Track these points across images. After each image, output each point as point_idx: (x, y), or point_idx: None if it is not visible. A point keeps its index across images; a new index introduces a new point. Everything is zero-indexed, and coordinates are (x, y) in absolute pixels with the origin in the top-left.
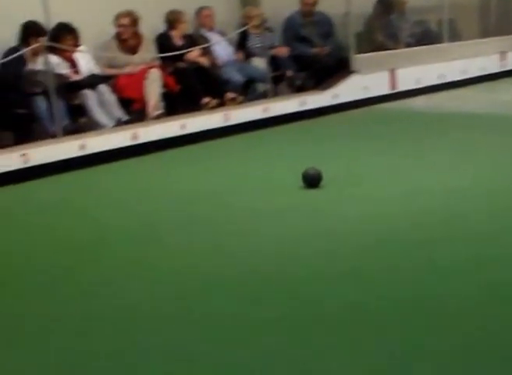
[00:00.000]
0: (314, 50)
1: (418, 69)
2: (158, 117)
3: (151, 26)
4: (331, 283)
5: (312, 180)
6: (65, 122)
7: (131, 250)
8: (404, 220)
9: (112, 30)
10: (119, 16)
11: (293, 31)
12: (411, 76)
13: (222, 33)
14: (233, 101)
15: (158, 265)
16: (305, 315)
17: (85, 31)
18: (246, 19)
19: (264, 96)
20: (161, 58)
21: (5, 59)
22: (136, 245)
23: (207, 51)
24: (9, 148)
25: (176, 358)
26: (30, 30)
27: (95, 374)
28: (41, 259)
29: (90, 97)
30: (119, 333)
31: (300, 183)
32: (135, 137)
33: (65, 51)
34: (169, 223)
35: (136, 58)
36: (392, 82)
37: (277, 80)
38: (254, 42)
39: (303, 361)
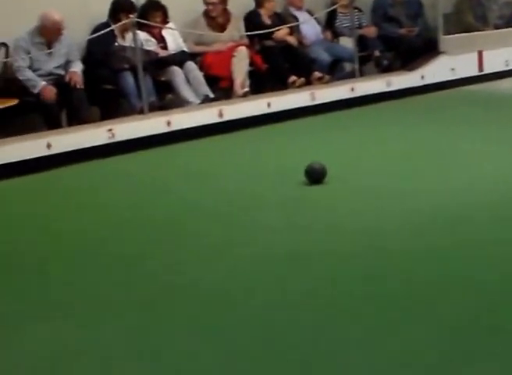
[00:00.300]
0: (403, 30)
1: (507, 51)
2: (245, 95)
3: (239, 3)
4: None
5: (317, 175)
6: (152, 98)
7: (214, 227)
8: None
9: (201, 8)
10: None
11: (381, 11)
12: (500, 58)
13: (311, 13)
14: (320, 81)
15: (240, 243)
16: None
17: (174, 8)
18: None
19: (351, 76)
20: (249, 36)
21: (95, 35)
22: (218, 223)
23: (295, 30)
24: (96, 123)
25: (260, 338)
26: (121, 7)
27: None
28: (120, 235)
29: (177, 74)
30: (197, 311)
31: (387, 161)
32: (221, 114)
33: (153, 27)
34: (254, 200)
35: (224, 35)
36: (480, 64)
37: (364, 59)
38: (342, 22)
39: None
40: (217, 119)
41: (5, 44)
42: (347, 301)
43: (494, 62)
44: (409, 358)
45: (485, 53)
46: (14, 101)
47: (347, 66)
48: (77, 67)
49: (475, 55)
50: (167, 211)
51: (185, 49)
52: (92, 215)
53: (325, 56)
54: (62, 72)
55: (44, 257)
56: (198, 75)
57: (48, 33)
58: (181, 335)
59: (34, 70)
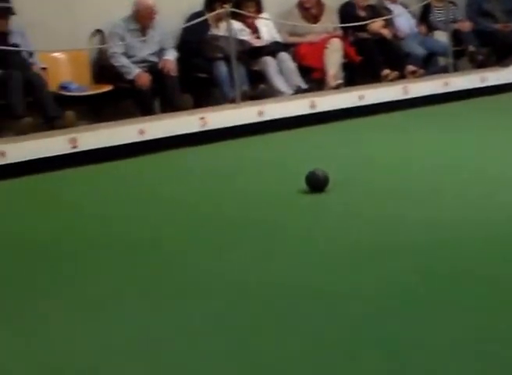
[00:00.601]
0: (498, 26)
1: None
2: (337, 87)
3: None
4: None
5: (318, 183)
6: (245, 88)
7: (298, 219)
8: None
9: None
10: None
11: (476, 6)
12: None
13: (405, 6)
14: (414, 74)
15: (329, 233)
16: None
17: None
18: None
19: (444, 70)
20: (343, 27)
21: (189, 23)
22: (301, 214)
23: (389, 23)
24: (189, 111)
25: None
26: None
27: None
28: (208, 221)
29: (270, 64)
30: (284, 303)
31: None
32: (313, 105)
33: (247, 17)
34: (342, 192)
35: (317, 27)
36: None
37: (459, 54)
38: (436, 15)
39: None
40: (309, 111)
41: (100, 31)
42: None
43: None
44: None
45: None
46: (108, 87)
47: (441, 61)
48: (171, 55)
49: None
50: (254, 200)
51: (278, 40)
52: (179, 202)
53: (419, 50)
54: (156, 59)
55: (130, 240)
56: (291, 65)
57: (142, 19)
58: (270, 325)
59: (129, 57)
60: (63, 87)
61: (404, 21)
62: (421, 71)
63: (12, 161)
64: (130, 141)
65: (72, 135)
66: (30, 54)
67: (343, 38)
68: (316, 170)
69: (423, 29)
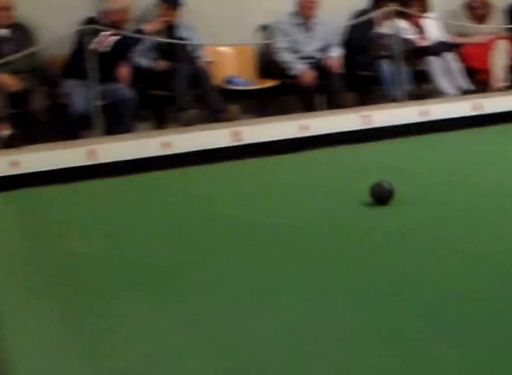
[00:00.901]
0: None
1: None
2: (503, 89)
3: None
4: None
5: (382, 196)
6: (409, 87)
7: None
8: None
9: None
10: None
11: None
12: None
13: None
14: None
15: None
16: None
17: None
18: None
19: None
20: (511, 29)
21: (356, 21)
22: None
23: None
24: (351, 109)
25: None
26: None
27: None
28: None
29: (434, 64)
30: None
31: None
32: (477, 107)
33: (413, 16)
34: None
35: (484, 27)
36: None
37: None
38: None
39: None
40: (472, 112)
41: (266, 27)
42: None
43: None
44: None
45: None
46: (273, 83)
47: None
48: (336, 52)
49: None
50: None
51: (444, 39)
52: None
53: None
54: (320, 55)
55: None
56: (456, 66)
57: (303, 12)
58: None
59: (294, 52)
60: (228, 81)
61: None
62: None
63: (177, 151)
64: (292, 137)
65: (236, 128)
66: (197, 47)
67: (511, 40)
68: (382, 182)
69: None
